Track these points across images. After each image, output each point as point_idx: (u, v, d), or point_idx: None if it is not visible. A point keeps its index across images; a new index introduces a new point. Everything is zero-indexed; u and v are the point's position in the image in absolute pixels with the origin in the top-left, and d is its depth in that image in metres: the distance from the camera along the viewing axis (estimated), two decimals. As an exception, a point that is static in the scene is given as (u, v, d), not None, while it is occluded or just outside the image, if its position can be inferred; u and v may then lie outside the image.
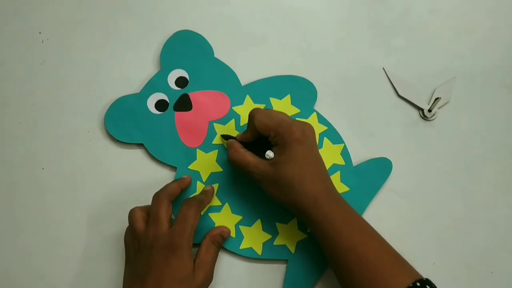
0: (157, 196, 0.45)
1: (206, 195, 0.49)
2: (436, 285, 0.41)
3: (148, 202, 0.46)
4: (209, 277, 0.45)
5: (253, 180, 0.46)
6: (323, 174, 0.45)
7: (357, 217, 0.45)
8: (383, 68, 0.57)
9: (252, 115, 0.46)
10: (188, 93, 0.53)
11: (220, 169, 0.51)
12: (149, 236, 0.43)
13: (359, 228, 0.44)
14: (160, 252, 0.42)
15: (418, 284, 0.40)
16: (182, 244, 0.43)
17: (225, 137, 0.50)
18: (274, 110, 0.46)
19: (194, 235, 0.44)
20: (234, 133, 0.52)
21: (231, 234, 0.49)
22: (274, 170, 0.43)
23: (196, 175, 0.51)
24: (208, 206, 0.50)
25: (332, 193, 0.45)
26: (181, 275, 0.42)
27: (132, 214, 0.45)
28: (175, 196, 0.47)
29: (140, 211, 0.46)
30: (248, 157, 0.45)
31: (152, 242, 0.43)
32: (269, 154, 0.45)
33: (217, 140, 0.52)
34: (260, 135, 0.46)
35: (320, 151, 0.52)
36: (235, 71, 0.54)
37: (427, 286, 0.40)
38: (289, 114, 0.53)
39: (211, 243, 0.47)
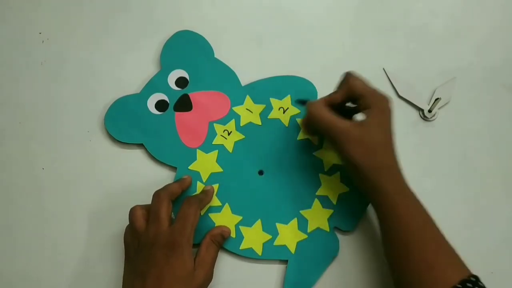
0: (157, 195, 0.45)
1: (206, 194, 0.49)
2: None
3: (148, 202, 0.46)
4: (209, 276, 0.45)
5: (331, 139, 0.45)
6: (395, 147, 0.45)
7: (414, 195, 0.45)
8: (383, 69, 0.57)
9: (349, 75, 0.46)
10: (188, 93, 0.53)
11: (220, 170, 0.51)
12: (150, 235, 0.43)
13: (424, 210, 0.44)
14: (160, 250, 0.42)
15: (472, 279, 0.40)
16: (183, 242, 0.43)
17: (302, 102, 0.50)
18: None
19: (194, 234, 0.44)
20: (236, 135, 0.52)
21: (231, 234, 0.49)
22: (361, 130, 0.43)
23: (196, 175, 0.51)
24: (208, 206, 0.50)
25: (399, 167, 0.45)
26: (181, 274, 0.42)
27: (132, 212, 0.45)
28: (176, 196, 0.47)
29: (141, 210, 0.45)
30: (332, 115, 0.45)
31: (152, 241, 0.43)
32: (358, 117, 0.45)
33: (217, 140, 0.52)
34: (349, 99, 0.46)
35: (320, 151, 0.52)
36: (235, 71, 0.54)
37: (479, 283, 0.41)
38: (290, 115, 0.53)
39: (211, 243, 0.47)
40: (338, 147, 0.44)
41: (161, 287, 0.41)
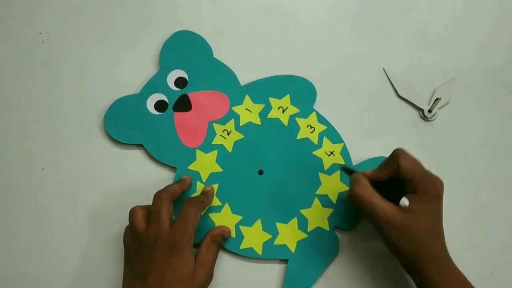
0: (158, 195, 0.45)
1: (207, 196, 0.49)
2: None
3: (148, 202, 0.46)
4: (209, 276, 0.45)
5: (373, 222, 0.43)
6: (443, 233, 0.44)
7: (467, 282, 0.43)
8: (383, 69, 0.57)
9: (397, 154, 0.43)
10: (188, 94, 0.53)
11: (220, 169, 0.51)
12: (151, 235, 0.43)
13: None
14: (161, 251, 0.42)
15: None
16: (183, 243, 0.43)
17: (347, 171, 0.48)
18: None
19: (195, 235, 0.44)
20: (236, 135, 0.52)
21: (231, 234, 0.49)
22: (405, 218, 0.41)
23: (196, 175, 0.51)
24: (208, 206, 0.50)
25: (448, 254, 0.43)
26: (182, 274, 0.42)
27: (132, 213, 0.45)
28: (177, 197, 0.47)
29: (141, 210, 0.45)
30: (377, 197, 0.43)
31: (153, 241, 0.43)
32: (404, 201, 0.42)
33: (216, 140, 0.52)
34: (396, 178, 0.44)
35: (320, 150, 0.52)
36: (234, 71, 0.54)
37: None
38: (289, 114, 0.53)
39: (211, 243, 0.47)
40: (381, 233, 0.43)
41: (161, 287, 0.41)
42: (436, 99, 0.54)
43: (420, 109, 0.55)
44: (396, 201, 0.43)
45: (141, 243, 0.44)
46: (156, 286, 0.41)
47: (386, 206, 0.42)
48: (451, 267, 0.43)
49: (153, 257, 0.42)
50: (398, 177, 0.44)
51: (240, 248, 0.49)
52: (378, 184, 0.44)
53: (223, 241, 0.48)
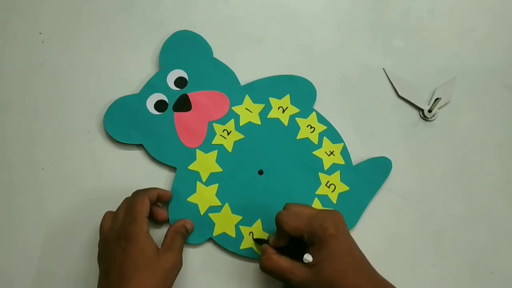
0: (135, 192, 0.47)
1: (157, 187, 0.49)
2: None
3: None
4: (177, 262, 0.44)
5: (291, 286, 0.43)
6: (363, 263, 0.43)
7: None
8: (383, 69, 0.57)
9: (278, 220, 0.43)
10: (188, 93, 0.53)
11: (219, 169, 0.51)
12: (107, 234, 0.44)
13: None
14: (116, 244, 0.43)
15: None
16: (136, 231, 0.42)
17: (258, 241, 0.49)
18: (297, 207, 0.44)
19: (148, 221, 0.44)
20: (236, 135, 0.52)
21: (231, 234, 0.49)
22: (313, 273, 0.41)
23: (196, 175, 0.51)
24: (207, 206, 0.50)
25: (375, 283, 0.42)
26: (142, 262, 0.42)
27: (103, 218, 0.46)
28: (154, 199, 0.47)
29: (110, 213, 0.46)
30: (283, 263, 0.43)
31: (108, 238, 0.44)
32: (308, 258, 0.41)
33: (216, 140, 0.52)
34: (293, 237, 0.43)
35: (320, 150, 0.52)
36: (234, 71, 0.54)
37: None
38: (289, 114, 0.53)
39: (176, 233, 0.46)
40: None
41: (123, 280, 0.41)
42: (436, 99, 0.54)
43: (420, 109, 0.55)
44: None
45: (102, 243, 0.45)
46: (119, 279, 0.41)
47: (294, 267, 0.42)
48: None
49: (111, 253, 0.43)
50: (293, 237, 0.43)
51: (240, 248, 0.49)
52: (284, 246, 0.45)
53: (186, 232, 0.48)
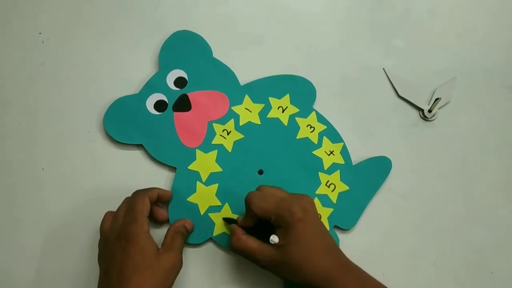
0: (135, 192, 0.47)
1: (157, 187, 0.49)
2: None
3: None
4: (177, 261, 0.44)
5: (261, 266, 0.44)
6: (332, 247, 0.44)
7: (375, 285, 0.43)
8: (383, 69, 0.57)
9: (248, 200, 0.44)
10: (187, 94, 0.53)
11: (219, 169, 0.51)
12: (107, 234, 0.44)
13: None
14: (116, 244, 0.43)
15: None
16: (136, 231, 0.43)
17: (227, 220, 0.49)
18: (269, 189, 0.45)
19: (148, 221, 0.44)
20: (235, 135, 0.52)
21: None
22: (281, 254, 0.42)
23: (196, 175, 0.51)
24: (208, 206, 0.50)
25: (344, 265, 0.43)
26: (142, 261, 0.42)
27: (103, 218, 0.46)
28: (154, 198, 0.47)
29: (110, 213, 0.46)
30: (252, 244, 0.43)
31: (108, 238, 0.44)
32: (273, 239, 0.42)
33: (216, 140, 0.52)
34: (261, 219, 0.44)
35: (320, 150, 0.52)
36: (234, 71, 0.54)
37: None
38: (289, 114, 0.53)
39: (176, 233, 0.46)
40: (272, 273, 0.44)
41: (123, 280, 0.41)
42: (436, 99, 0.54)
43: (420, 109, 0.55)
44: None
45: (103, 243, 0.45)
46: (119, 279, 0.41)
47: (262, 248, 0.43)
48: (348, 277, 0.42)
49: (111, 253, 0.43)
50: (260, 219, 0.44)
51: (240, 248, 0.49)
52: (253, 227, 0.45)
53: (186, 232, 0.47)
